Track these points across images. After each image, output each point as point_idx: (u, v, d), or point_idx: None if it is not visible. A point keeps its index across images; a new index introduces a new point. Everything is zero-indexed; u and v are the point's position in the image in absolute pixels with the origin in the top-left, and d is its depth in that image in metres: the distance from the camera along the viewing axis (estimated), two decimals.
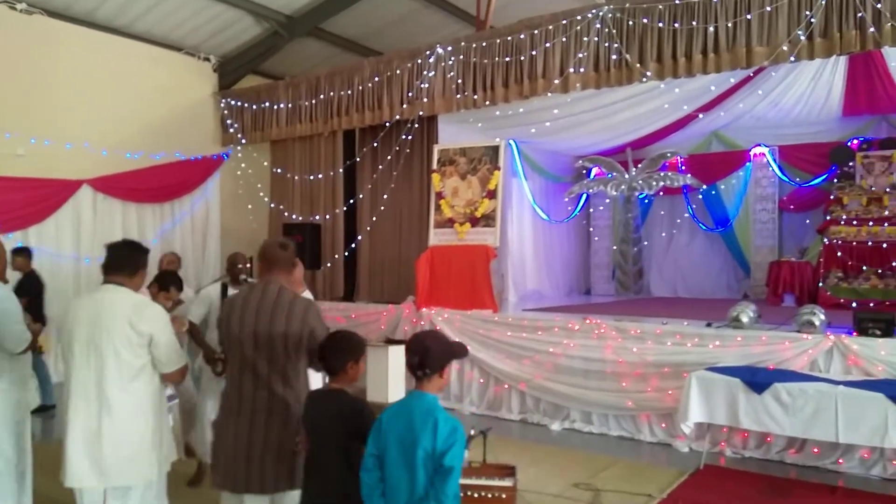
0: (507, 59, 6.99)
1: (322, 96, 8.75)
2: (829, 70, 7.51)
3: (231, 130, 9.78)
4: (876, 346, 4.97)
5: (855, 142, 9.30)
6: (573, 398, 6.16)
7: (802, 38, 5.41)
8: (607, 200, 11.62)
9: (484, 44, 7.20)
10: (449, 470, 2.31)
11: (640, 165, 10.61)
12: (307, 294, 4.17)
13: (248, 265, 5.01)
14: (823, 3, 5.33)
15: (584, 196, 11.64)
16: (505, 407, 6.62)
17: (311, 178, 9.13)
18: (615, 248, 11.49)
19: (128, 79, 8.79)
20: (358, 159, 8.90)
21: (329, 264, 8.86)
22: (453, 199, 7.65)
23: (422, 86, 7.71)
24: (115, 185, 8.54)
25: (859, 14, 5.22)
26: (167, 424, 3.18)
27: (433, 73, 7.61)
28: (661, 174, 10.41)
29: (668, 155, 10.31)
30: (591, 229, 12.10)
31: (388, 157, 8.45)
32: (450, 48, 7.48)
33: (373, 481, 2.42)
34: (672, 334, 5.83)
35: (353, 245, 8.89)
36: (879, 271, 8.59)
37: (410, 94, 7.85)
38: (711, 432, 5.32)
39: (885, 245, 8.63)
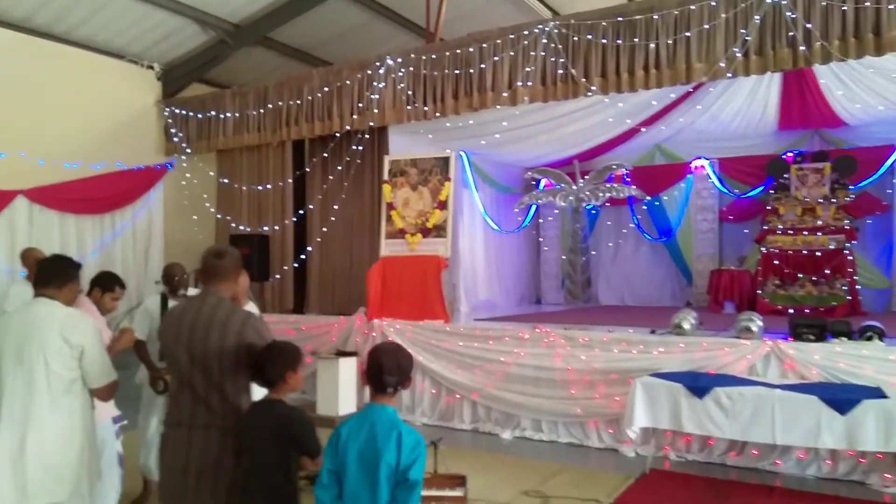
0: (457, 71, 7.07)
1: (270, 106, 8.64)
2: (764, 86, 7.85)
3: (175, 140, 9.55)
4: (810, 351, 5.20)
5: (790, 154, 9.71)
6: (524, 406, 6.23)
7: (739, 55, 5.65)
8: (556, 211, 11.83)
9: (434, 56, 7.26)
10: (414, 484, 2.31)
11: (587, 177, 10.86)
12: (251, 306, 4.09)
13: (186, 276, 4.89)
14: (758, 22, 5.58)
15: (534, 207, 11.82)
16: (457, 417, 6.64)
17: (259, 188, 8.99)
18: (564, 257, 11.70)
19: (67, 86, 8.49)
20: (308, 170, 8.81)
21: (278, 276, 8.72)
22: (404, 209, 7.66)
23: (372, 97, 7.71)
24: (53, 195, 8.21)
25: (791, 33, 5.48)
26: (96, 440, 3.11)
27: (383, 84, 7.62)
28: (608, 186, 10.69)
29: (614, 167, 10.59)
30: (541, 239, 12.28)
31: (339, 168, 8.40)
32: (400, 60, 7.51)
33: (329, 498, 2.38)
34: (618, 342, 5.97)
35: (303, 256, 8.78)
36: (814, 279, 9.00)
37: (361, 105, 7.83)
38: (656, 437, 5.47)
39: (818, 253, 9.04)
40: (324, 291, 8.80)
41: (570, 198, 10.94)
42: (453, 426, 6.60)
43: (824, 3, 5.35)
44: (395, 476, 2.30)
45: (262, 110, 8.74)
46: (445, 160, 7.58)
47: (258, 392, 2.78)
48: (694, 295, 10.69)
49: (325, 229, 8.61)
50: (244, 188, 9.12)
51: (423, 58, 7.32)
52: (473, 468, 4.86)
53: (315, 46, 10.17)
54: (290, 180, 8.78)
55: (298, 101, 8.39)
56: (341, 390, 6.58)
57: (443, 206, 7.49)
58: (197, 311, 2.71)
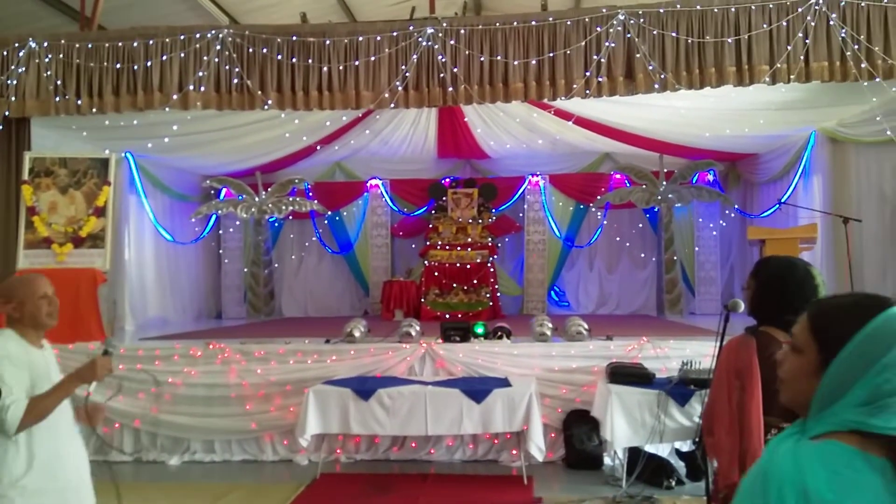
0: (118, 65, 6.42)
1: None
2: (424, 118, 8.85)
3: None
4: (456, 350, 5.99)
5: (447, 180, 11.10)
6: (194, 428, 5.92)
7: (400, 88, 6.28)
8: (238, 222, 11.50)
9: (90, 45, 6.47)
10: None
11: (269, 189, 10.81)
12: None
13: None
14: (415, 60, 6.29)
15: (214, 217, 11.32)
16: (115, 449, 5.97)
17: None
18: (246, 270, 11.43)
19: None
20: None
21: None
22: (51, 215, 6.65)
23: (9, 82, 6.53)
24: None
25: (441, 74, 6.31)
26: None
27: (24, 69, 6.52)
28: (290, 199, 10.80)
29: (297, 181, 10.77)
30: (222, 251, 11.79)
31: None
32: (46, 44, 6.52)
33: None
34: (294, 352, 6.08)
35: None
36: (465, 288, 10.40)
37: None
38: (328, 441, 5.70)
39: (468, 266, 10.49)
40: None
41: (253, 209, 10.76)
42: (111, 459, 5.89)
43: (467, 53, 6.29)
44: None
45: None
46: (104, 161, 6.80)
47: None
48: (370, 304, 11.41)
49: None
50: None
51: (77, 45, 6.48)
52: (132, 501, 4.43)
53: None
54: None
55: None
56: None
57: (100, 212, 6.71)
58: None
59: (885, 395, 1.09)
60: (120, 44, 6.43)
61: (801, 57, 5.96)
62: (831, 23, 5.95)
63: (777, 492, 1.07)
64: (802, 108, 7.17)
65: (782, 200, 7.80)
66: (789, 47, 5.97)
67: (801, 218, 7.65)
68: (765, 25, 6.03)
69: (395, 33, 6.33)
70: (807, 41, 5.97)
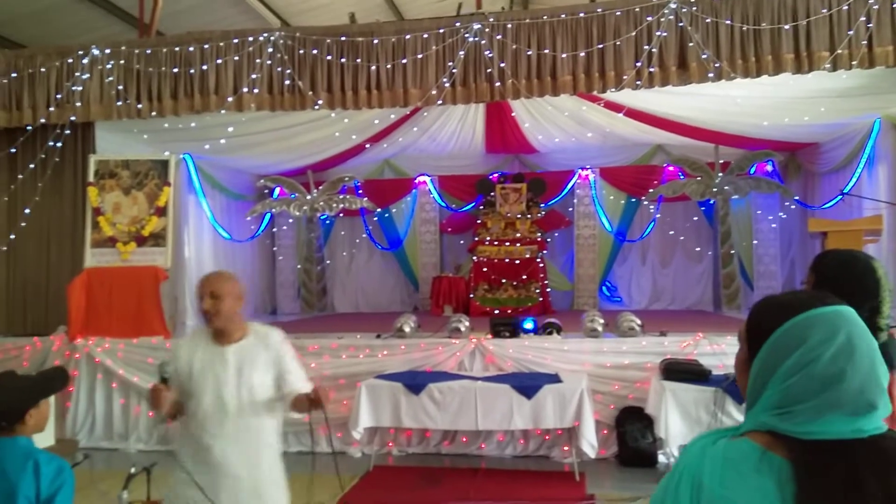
0: (176, 69, 6.65)
1: None
2: (472, 114, 8.84)
3: None
4: (505, 346, 5.99)
5: (495, 175, 11.08)
6: None
7: (447, 85, 6.30)
8: (291, 220, 11.78)
9: (149, 51, 6.73)
10: None
11: (321, 187, 11.02)
12: None
13: None
14: (462, 56, 6.30)
15: (268, 215, 11.62)
16: (178, 440, 6.21)
17: None
18: (299, 266, 11.69)
19: None
20: None
21: None
22: (115, 215, 6.96)
23: (74, 88, 6.86)
24: None
25: (489, 70, 6.29)
26: None
27: (88, 75, 6.84)
28: (341, 197, 10.98)
29: (347, 179, 10.94)
30: (276, 248, 12.09)
31: (31, 166, 7.27)
32: (108, 51, 6.81)
33: None
34: (346, 347, 6.19)
35: None
36: (515, 283, 10.37)
37: (59, 97, 6.92)
38: (381, 434, 5.79)
39: (517, 261, 10.45)
40: (12, 309, 7.52)
41: (305, 207, 10.98)
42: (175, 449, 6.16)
43: (514, 47, 6.25)
44: None
45: None
46: (164, 163, 7.08)
47: None
48: (420, 300, 11.51)
49: (13, 236, 7.37)
50: None
51: (137, 52, 6.74)
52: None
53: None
54: None
55: None
56: None
57: (161, 212, 6.99)
58: None
59: (792, 401, 1.06)
60: (177, 49, 6.66)
61: (864, 42, 5.70)
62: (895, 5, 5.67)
63: (676, 482, 1.10)
64: (866, 94, 6.85)
65: (845, 191, 7.47)
66: (850, 32, 5.71)
67: (865, 209, 7.30)
68: (824, 10, 5.79)
69: (441, 30, 6.35)
70: (869, 25, 5.70)
